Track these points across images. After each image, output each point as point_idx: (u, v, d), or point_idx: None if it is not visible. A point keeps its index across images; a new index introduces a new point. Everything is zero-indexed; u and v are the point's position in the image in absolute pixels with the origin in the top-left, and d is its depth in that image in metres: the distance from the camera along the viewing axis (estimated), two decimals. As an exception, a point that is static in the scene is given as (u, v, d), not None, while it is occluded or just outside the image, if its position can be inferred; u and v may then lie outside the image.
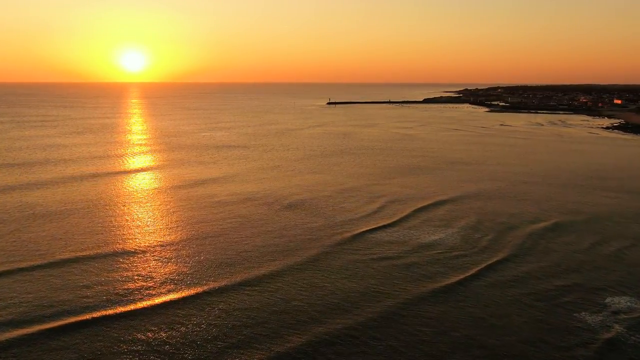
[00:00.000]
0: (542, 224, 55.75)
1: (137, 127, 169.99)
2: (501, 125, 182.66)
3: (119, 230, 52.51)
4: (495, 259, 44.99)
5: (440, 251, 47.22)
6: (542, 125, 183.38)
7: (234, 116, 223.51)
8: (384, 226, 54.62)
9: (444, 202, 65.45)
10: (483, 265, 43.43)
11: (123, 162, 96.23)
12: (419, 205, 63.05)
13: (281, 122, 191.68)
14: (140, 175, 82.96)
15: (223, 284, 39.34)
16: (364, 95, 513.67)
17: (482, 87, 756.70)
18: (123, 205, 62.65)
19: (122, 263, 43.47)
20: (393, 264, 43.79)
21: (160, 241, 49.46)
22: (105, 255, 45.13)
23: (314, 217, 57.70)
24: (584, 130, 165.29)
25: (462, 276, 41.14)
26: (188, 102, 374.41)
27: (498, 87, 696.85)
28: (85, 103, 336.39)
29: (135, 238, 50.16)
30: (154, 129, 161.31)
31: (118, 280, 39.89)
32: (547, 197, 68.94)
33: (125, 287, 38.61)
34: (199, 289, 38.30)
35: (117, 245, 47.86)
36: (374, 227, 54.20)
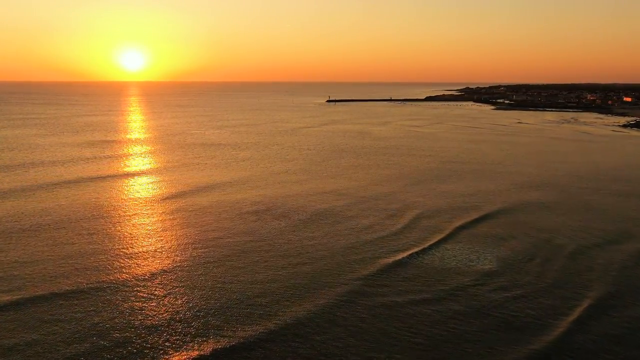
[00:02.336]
0: (624, 246, 44.55)
1: (125, 125, 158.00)
2: (518, 122, 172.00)
3: (83, 259, 40.88)
4: (583, 302, 33.97)
5: (504, 283, 36.44)
6: (561, 123, 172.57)
7: (232, 114, 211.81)
8: (425, 249, 43.47)
9: (489, 215, 54.17)
10: (573, 311, 32.42)
11: (100, 165, 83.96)
12: (462, 221, 51.74)
13: (279, 120, 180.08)
14: (118, 182, 70.48)
15: (230, 342, 28.14)
16: (364, 94, 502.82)
17: (483, 86, 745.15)
18: (90, 221, 50.82)
19: (88, 307, 31.97)
20: (453, 309, 32.51)
21: (142, 272, 37.96)
22: (63, 295, 33.69)
23: (334, 237, 46.44)
24: (604, 128, 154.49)
25: (551, 330, 30.18)
26: (186, 100, 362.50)
27: (500, 86, 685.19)
28: (77, 101, 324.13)
29: (107, 269, 38.60)
30: (144, 128, 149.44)
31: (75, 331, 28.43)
32: (615, 207, 57.83)
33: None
34: (198, 351, 26.93)
35: (77, 281, 36.30)
36: (412, 251, 43.06)
